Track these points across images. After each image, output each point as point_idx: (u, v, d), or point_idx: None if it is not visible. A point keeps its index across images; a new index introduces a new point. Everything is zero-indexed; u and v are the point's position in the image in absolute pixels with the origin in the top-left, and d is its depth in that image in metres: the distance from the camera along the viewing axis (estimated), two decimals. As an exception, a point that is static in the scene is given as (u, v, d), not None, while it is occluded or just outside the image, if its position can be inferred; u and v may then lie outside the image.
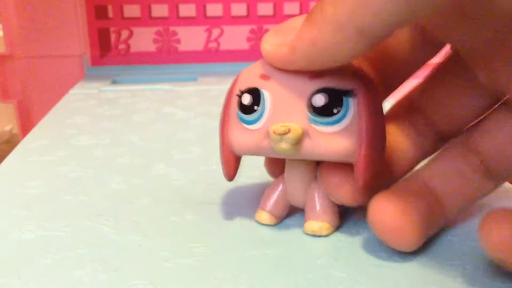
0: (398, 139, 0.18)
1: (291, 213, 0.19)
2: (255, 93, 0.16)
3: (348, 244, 0.17)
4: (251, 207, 0.19)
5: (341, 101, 0.15)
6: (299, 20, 0.15)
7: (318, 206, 0.17)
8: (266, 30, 0.51)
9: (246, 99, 0.16)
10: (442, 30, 0.15)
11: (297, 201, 0.18)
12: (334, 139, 0.15)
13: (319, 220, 0.17)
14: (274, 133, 0.15)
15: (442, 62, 0.18)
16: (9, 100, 0.49)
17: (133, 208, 0.20)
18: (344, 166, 0.16)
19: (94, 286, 0.15)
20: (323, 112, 0.15)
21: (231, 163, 0.17)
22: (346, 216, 0.19)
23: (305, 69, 0.15)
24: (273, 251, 0.17)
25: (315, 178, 0.17)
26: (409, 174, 0.18)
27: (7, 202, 0.20)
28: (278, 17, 0.50)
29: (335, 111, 0.15)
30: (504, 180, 0.17)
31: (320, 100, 0.15)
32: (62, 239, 0.17)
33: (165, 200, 0.21)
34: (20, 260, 0.16)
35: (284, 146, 0.15)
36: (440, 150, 0.18)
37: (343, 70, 0.15)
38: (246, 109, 0.16)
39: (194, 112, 0.35)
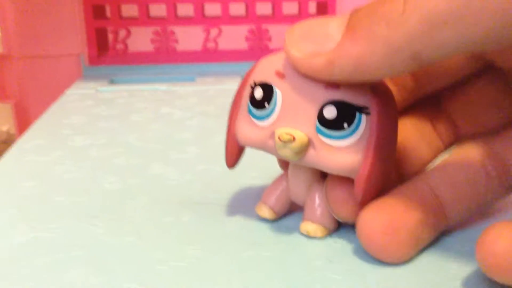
0: (414, 136, 0.18)
1: (289, 213, 0.19)
2: (268, 89, 0.15)
3: (344, 246, 0.17)
4: (248, 208, 0.19)
5: (354, 117, 0.15)
6: (333, 27, 0.14)
7: (317, 208, 0.17)
8: (265, 30, 0.51)
9: (258, 93, 0.15)
10: (499, 57, 0.15)
11: (298, 199, 0.18)
12: (339, 153, 0.15)
13: (315, 222, 0.17)
14: (279, 139, 0.15)
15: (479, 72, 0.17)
16: (6, 100, 0.48)
17: (127, 209, 0.19)
18: (350, 183, 0.16)
19: (85, 289, 0.14)
20: (332, 125, 0.15)
21: (234, 152, 0.17)
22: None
23: (338, 83, 0.14)
24: (269, 252, 0.16)
25: (318, 180, 0.17)
26: (416, 176, 0.17)
27: (0, 203, 0.20)
28: (277, 17, 0.50)
29: (345, 125, 0.15)
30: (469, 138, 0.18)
31: (331, 112, 0.14)
32: (54, 240, 0.17)
33: (161, 200, 0.20)
34: (10, 262, 0.16)
35: (287, 153, 0.15)
36: (455, 150, 0.18)
37: (360, 84, 0.15)
38: (257, 104, 0.15)
39: (192, 112, 0.34)
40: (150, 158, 0.25)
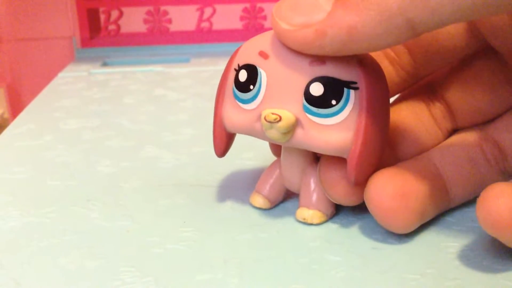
0: (412, 123, 0.17)
1: (286, 196, 0.18)
2: (252, 71, 0.15)
3: (342, 227, 0.17)
4: (244, 190, 0.19)
5: (341, 93, 0.14)
6: None
7: (312, 193, 0.16)
8: (260, 9, 0.50)
9: (243, 76, 0.15)
10: (496, 39, 0.15)
11: (292, 186, 0.17)
12: (329, 132, 0.14)
13: (311, 208, 0.16)
14: (265, 119, 0.14)
15: (476, 55, 0.17)
16: (-2, 84, 0.48)
17: (121, 192, 0.19)
18: (343, 163, 0.15)
19: (79, 274, 0.14)
20: (319, 103, 0.14)
21: (222, 139, 0.16)
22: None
23: (330, 55, 0.14)
24: (265, 234, 0.16)
25: (312, 163, 0.17)
26: (419, 155, 0.17)
27: (-9, 188, 0.20)
28: (271, -5, 0.49)
29: (333, 102, 0.14)
30: (465, 126, 0.17)
31: (318, 89, 0.14)
32: (47, 225, 0.17)
33: (155, 183, 0.20)
34: (3, 247, 0.16)
35: (274, 134, 0.14)
36: (455, 134, 0.17)
37: (347, 57, 0.14)
38: (242, 87, 0.15)
39: (186, 93, 0.34)
40: (144, 141, 0.25)
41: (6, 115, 0.52)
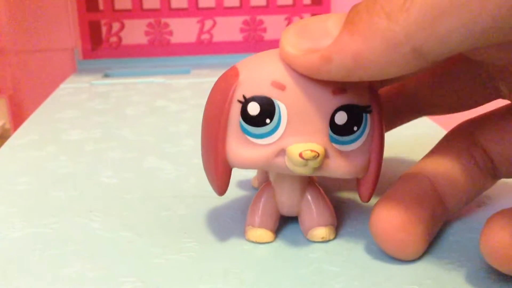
0: (457, 170, 0.16)
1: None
2: (268, 104, 0.14)
3: (341, 238, 0.17)
4: (244, 201, 0.19)
5: (362, 118, 0.14)
6: (331, 23, 0.13)
7: (321, 210, 0.16)
8: (260, 21, 0.50)
9: (254, 109, 0.14)
10: (488, 54, 0.14)
11: (291, 210, 0.16)
12: (352, 157, 0.14)
13: (324, 225, 0.16)
14: (301, 157, 0.13)
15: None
16: (0, 95, 0.48)
17: (123, 203, 0.19)
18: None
19: (82, 284, 0.14)
20: (344, 130, 0.14)
21: (225, 178, 0.15)
22: (339, 210, 0.19)
23: (335, 80, 0.13)
24: (265, 245, 0.16)
25: (308, 181, 0.16)
26: (411, 168, 0.17)
27: (-6, 199, 0.20)
28: (271, 7, 0.49)
29: (355, 128, 0.14)
30: (506, 177, 0.17)
31: (342, 118, 0.14)
32: (50, 236, 0.17)
33: (157, 194, 0.20)
34: (7, 257, 0.16)
35: (305, 170, 0.14)
36: (441, 141, 0.17)
37: (361, 83, 0.14)
38: (254, 121, 0.14)
39: (187, 105, 0.34)
40: (145, 152, 0.25)
41: (7, 126, 0.52)
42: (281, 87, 0.14)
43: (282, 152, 0.14)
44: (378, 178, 0.15)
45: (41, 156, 0.25)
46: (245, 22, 0.51)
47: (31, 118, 0.32)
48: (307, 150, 0.13)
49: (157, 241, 0.17)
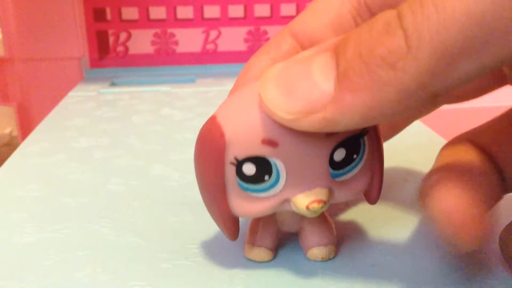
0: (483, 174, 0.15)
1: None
2: (263, 163, 0.13)
3: (342, 245, 0.17)
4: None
5: (359, 145, 0.14)
6: (317, 75, 0.12)
7: (317, 230, 0.16)
8: (264, 32, 0.51)
9: (250, 169, 0.13)
10: None
11: (291, 227, 0.16)
12: (356, 182, 0.15)
13: (324, 245, 0.16)
14: (308, 209, 0.13)
15: None
16: (9, 103, 0.49)
17: (132, 210, 0.20)
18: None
19: (94, 287, 0.15)
20: (344, 163, 0.14)
21: (234, 226, 0.15)
22: (340, 228, 0.19)
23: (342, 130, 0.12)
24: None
25: None
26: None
27: (6, 205, 0.21)
28: (275, 18, 0.50)
29: (354, 156, 0.14)
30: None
31: (341, 154, 0.14)
32: (62, 241, 0.18)
33: (164, 201, 0.21)
34: (20, 262, 0.16)
35: (313, 215, 0.14)
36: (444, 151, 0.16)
37: None
38: (252, 179, 0.14)
39: (192, 113, 0.35)
40: (152, 159, 0.26)
41: (15, 133, 0.53)
42: (273, 144, 0.13)
43: (287, 200, 0.14)
44: (381, 184, 0.15)
45: (51, 163, 0.25)
46: (249, 33, 0.51)
47: (41, 126, 0.32)
48: (313, 202, 0.13)
49: (165, 246, 0.17)
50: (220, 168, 0.14)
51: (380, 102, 0.11)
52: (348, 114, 0.11)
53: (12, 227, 0.19)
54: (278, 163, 0.13)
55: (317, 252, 0.16)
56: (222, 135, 0.13)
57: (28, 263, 0.16)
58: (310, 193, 0.13)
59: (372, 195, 0.15)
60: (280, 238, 0.17)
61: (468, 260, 0.16)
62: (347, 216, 0.19)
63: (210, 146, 0.14)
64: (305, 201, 0.13)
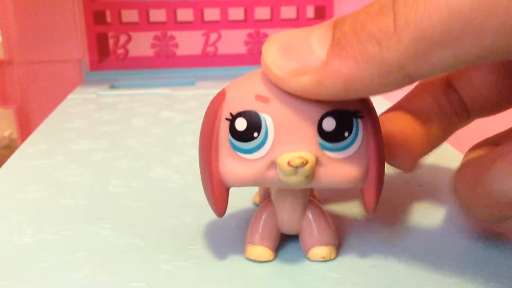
0: (434, 111, 0.17)
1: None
2: (253, 118, 0.14)
3: (343, 246, 0.17)
4: (248, 210, 0.20)
5: (351, 123, 0.14)
6: (315, 41, 0.13)
7: (322, 229, 0.16)
8: (264, 34, 0.51)
9: (241, 124, 0.14)
10: None
11: (292, 228, 0.16)
12: (347, 165, 0.14)
13: (325, 245, 0.16)
14: (289, 165, 0.13)
15: None
16: (8, 105, 0.49)
17: (131, 211, 0.20)
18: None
19: (92, 288, 0.15)
20: (334, 137, 0.14)
21: (223, 197, 0.15)
22: (341, 229, 0.19)
23: (325, 99, 0.13)
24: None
25: (309, 199, 0.16)
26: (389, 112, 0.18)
27: (6, 207, 0.21)
28: (275, 21, 0.50)
29: (346, 134, 0.14)
30: (477, 117, 0.18)
31: (331, 124, 0.14)
32: (61, 242, 0.18)
33: (164, 202, 0.21)
34: (19, 263, 0.16)
35: (296, 179, 0.14)
36: (417, 85, 0.18)
37: None
38: (243, 136, 0.14)
39: (192, 116, 0.35)
40: (152, 162, 0.26)
41: (14, 136, 0.53)
42: (265, 100, 0.14)
43: (273, 165, 0.14)
44: (380, 187, 0.15)
45: (50, 165, 0.25)
46: (249, 35, 0.51)
47: (40, 128, 0.32)
48: (294, 157, 0.13)
49: (165, 247, 0.17)
50: (217, 124, 0.14)
51: (363, 73, 0.12)
52: (333, 80, 0.12)
53: (12, 228, 0.19)
54: (268, 119, 0.14)
55: (317, 252, 0.16)
56: (223, 94, 0.14)
57: (27, 264, 0.16)
58: (294, 153, 0.13)
59: (368, 196, 0.15)
60: (280, 239, 0.17)
61: (467, 261, 0.16)
62: (347, 217, 0.19)
63: (212, 105, 0.15)
64: (288, 157, 0.13)
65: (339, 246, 0.17)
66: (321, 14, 0.51)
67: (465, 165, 0.15)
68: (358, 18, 0.12)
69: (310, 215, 0.16)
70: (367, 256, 0.16)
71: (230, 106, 0.14)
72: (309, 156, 0.13)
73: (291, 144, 0.14)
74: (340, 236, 0.18)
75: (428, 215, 0.19)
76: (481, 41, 0.10)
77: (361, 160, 0.14)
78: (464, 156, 0.19)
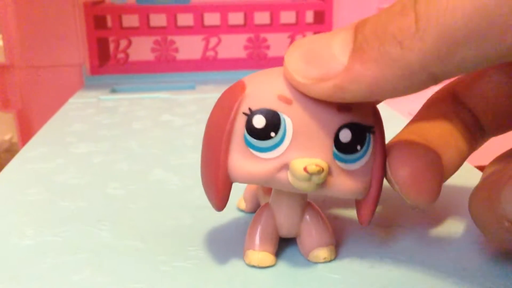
0: (450, 132, 0.16)
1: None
2: (273, 117, 0.14)
3: (341, 247, 0.17)
4: (243, 212, 0.20)
5: (365, 138, 0.14)
6: (337, 47, 0.13)
7: (321, 230, 0.16)
8: (264, 39, 0.52)
9: (260, 122, 0.14)
10: None
11: (290, 231, 0.16)
12: (352, 177, 0.14)
13: (325, 245, 0.16)
14: (306, 171, 0.13)
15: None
16: (9, 109, 0.49)
17: (130, 213, 0.20)
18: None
19: (91, 289, 0.15)
20: (348, 149, 0.14)
21: (225, 192, 0.15)
22: (339, 219, 0.19)
23: (348, 104, 0.13)
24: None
25: (306, 204, 0.16)
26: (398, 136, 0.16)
27: (6, 209, 0.21)
28: (274, 26, 0.50)
29: (358, 147, 0.14)
30: (493, 134, 0.17)
31: (347, 135, 0.14)
32: (60, 244, 0.18)
33: (163, 204, 0.21)
34: (19, 265, 0.16)
35: (309, 185, 0.13)
36: (422, 110, 0.17)
37: (365, 104, 0.14)
38: (259, 134, 0.14)
39: (192, 119, 0.35)
40: (151, 164, 0.26)
41: (15, 139, 0.53)
42: (288, 101, 0.14)
43: (285, 167, 0.14)
44: (377, 201, 0.15)
45: (51, 168, 0.25)
46: (249, 40, 0.52)
47: (41, 132, 0.33)
48: (312, 164, 0.13)
49: (164, 249, 0.17)
50: (233, 117, 0.14)
51: (385, 75, 0.12)
52: (355, 83, 0.12)
53: (12, 230, 0.19)
54: (287, 121, 0.14)
55: (318, 253, 0.16)
56: (243, 87, 0.14)
57: (27, 265, 0.16)
58: (310, 160, 0.13)
59: (365, 209, 0.15)
60: (279, 243, 0.17)
61: (466, 263, 0.16)
62: (345, 218, 0.19)
63: (229, 96, 0.14)
64: (304, 163, 0.13)
65: (337, 248, 0.17)
66: (321, 19, 0.52)
67: (480, 185, 0.15)
68: (379, 20, 0.12)
69: (308, 217, 0.16)
70: (365, 257, 0.17)
71: (250, 101, 0.14)
72: (324, 164, 0.13)
73: (306, 150, 0.14)
74: (339, 238, 0.18)
75: (425, 217, 0.19)
76: (506, 39, 0.10)
77: (366, 174, 0.15)
78: (484, 171, 0.17)
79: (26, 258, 0.17)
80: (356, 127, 0.14)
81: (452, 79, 0.17)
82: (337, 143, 0.14)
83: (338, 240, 0.18)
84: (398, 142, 0.15)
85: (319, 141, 0.14)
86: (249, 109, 0.14)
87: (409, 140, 0.15)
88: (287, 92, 0.14)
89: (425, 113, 0.17)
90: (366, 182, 0.15)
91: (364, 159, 0.14)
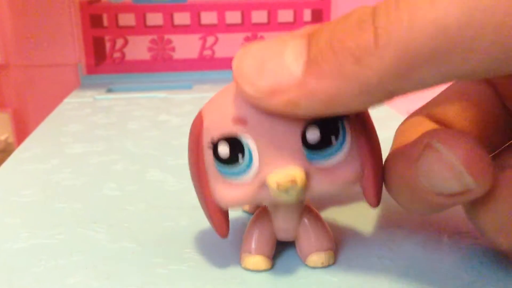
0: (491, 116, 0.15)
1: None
2: (235, 142, 0.13)
3: (340, 248, 0.17)
4: (244, 213, 0.20)
5: (337, 127, 0.13)
6: (289, 57, 0.12)
7: (314, 236, 0.16)
8: (261, 38, 0.51)
9: (224, 150, 0.14)
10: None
11: (288, 234, 0.16)
12: (340, 170, 0.14)
13: (323, 250, 0.16)
14: (278, 188, 0.13)
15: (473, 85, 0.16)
16: (5, 109, 0.49)
17: (126, 215, 0.20)
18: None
19: (86, 293, 0.15)
20: (321, 145, 0.13)
21: (222, 219, 0.15)
22: (338, 222, 0.19)
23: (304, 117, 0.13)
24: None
25: (305, 207, 0.16)
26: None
27: (0, 211, 0.20)
28: (272, 24, 0.50)
29: (332, 139, 0.13)
30: None
31: (315, 133, 0.13)
32: (55, 246, 0.17)
33: (159, 206, 0.21)
34: (12, 268, 0.16)
35: (289, 197, 0.13)
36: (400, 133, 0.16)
37: None
38: (228, 161, 0.14)
39: (189, 119, 0.35)
40: (148, 165, 0.25)
41: (11, 140, 0.53)
42: (243, 122, 0.13)
43: (264, 184, 0.13)
44: (380, 180, 0.14)
45: (46, 168, 0.25)
46: (246, 39, 0.51)
47: (36, 132, 0.32)
48: (283, 179, 0.13)
49: (160, 251, 0.17)
50: (200, 152, 0.14)
51: (342, 92, 0.11)
52: (310, 99, 0.12)
53: (6, 233, 0.18)
54: (249, 141, 0.13)
55: (316, 258, 0.16)
56: (201, 121, 0.14)
57: (21, 268, 0.16)
58: (283, 172, 0.13)
59: (369, 192, 0.14)
60: (276, 247, 0.16)
61: (466, 265, 0.16)
62: (344, 221, 0.19)
63: (193, 131, 0.14)
64: (275, 177, 0.13)
65: (336, 250, 0.17)
66: (318, 17, 0.51)
67: (394, 154, 0.14)
68: (335, 32, 0.11)
69: (306, 221, 0.16)
70: (364, 260, 0.16)
71: (210, 133, 0.14)
72: (298, 173, 0.13)
73: (277, 161, 0.13)
74: (337, 240, 0.18)
75: (425, 220, 0.19)
76: (470, 60, 0.10)
77: (353, 161, 0.14)
78: (397, 133, 0.16)
79: (19, 261, 0.16)
80: (323, 121, 0.13)
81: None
82: (308, 144, 0.13)
83: (337, 242, 0.17)
84: (441, 128, 0.14)
85: (287, 149, 0.13)
86: (211, 140, 0.14)
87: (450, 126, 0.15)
88: (240, 112, 0.13)
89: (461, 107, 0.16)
90: (355, 168, 0.14)
91: (344, 147, 0.14)
